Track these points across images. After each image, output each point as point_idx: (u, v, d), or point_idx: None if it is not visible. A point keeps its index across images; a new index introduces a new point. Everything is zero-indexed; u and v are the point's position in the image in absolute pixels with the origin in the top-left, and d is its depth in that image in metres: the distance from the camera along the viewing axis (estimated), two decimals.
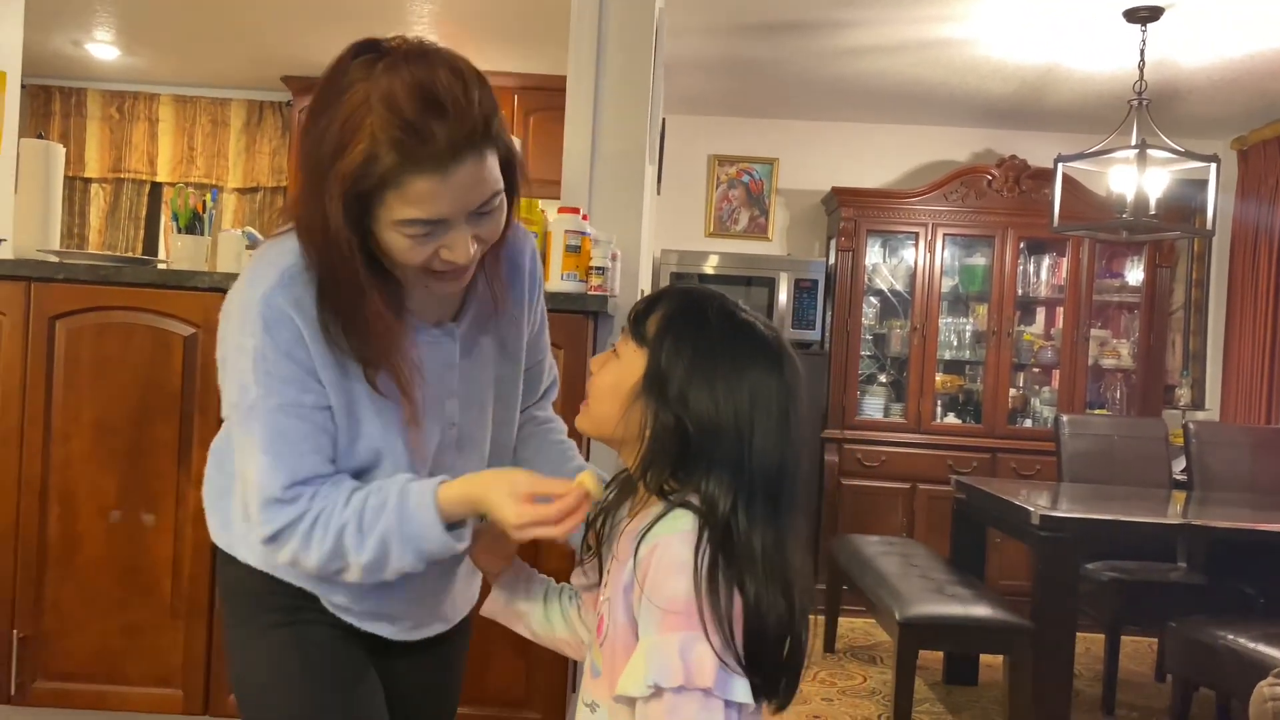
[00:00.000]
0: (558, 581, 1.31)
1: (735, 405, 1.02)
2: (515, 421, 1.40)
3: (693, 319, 1.06)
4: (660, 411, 1.03)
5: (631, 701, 0.97)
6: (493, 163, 1.11)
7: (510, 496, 1.10)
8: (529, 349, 1.40)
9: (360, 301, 1.13)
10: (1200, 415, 5.20)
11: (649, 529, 1.01)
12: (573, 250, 2.44)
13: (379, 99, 1.06)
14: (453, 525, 1.15)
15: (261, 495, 1.14)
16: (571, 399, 2.38)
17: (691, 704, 0.95)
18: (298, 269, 1.15)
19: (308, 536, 1.14)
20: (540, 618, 1.27)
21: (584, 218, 2.53)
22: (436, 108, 1.06)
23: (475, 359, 1.30)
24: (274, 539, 1.15)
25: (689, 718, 0.95)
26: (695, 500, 1.01)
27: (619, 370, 1.08)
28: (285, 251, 1.16)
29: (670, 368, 1.03)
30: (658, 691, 0.94)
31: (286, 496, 1.14)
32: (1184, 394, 5.26)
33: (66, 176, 5.21)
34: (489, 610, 1.29)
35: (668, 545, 0.98)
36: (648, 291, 3.45)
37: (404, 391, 1.18)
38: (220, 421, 1.27)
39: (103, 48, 5.08)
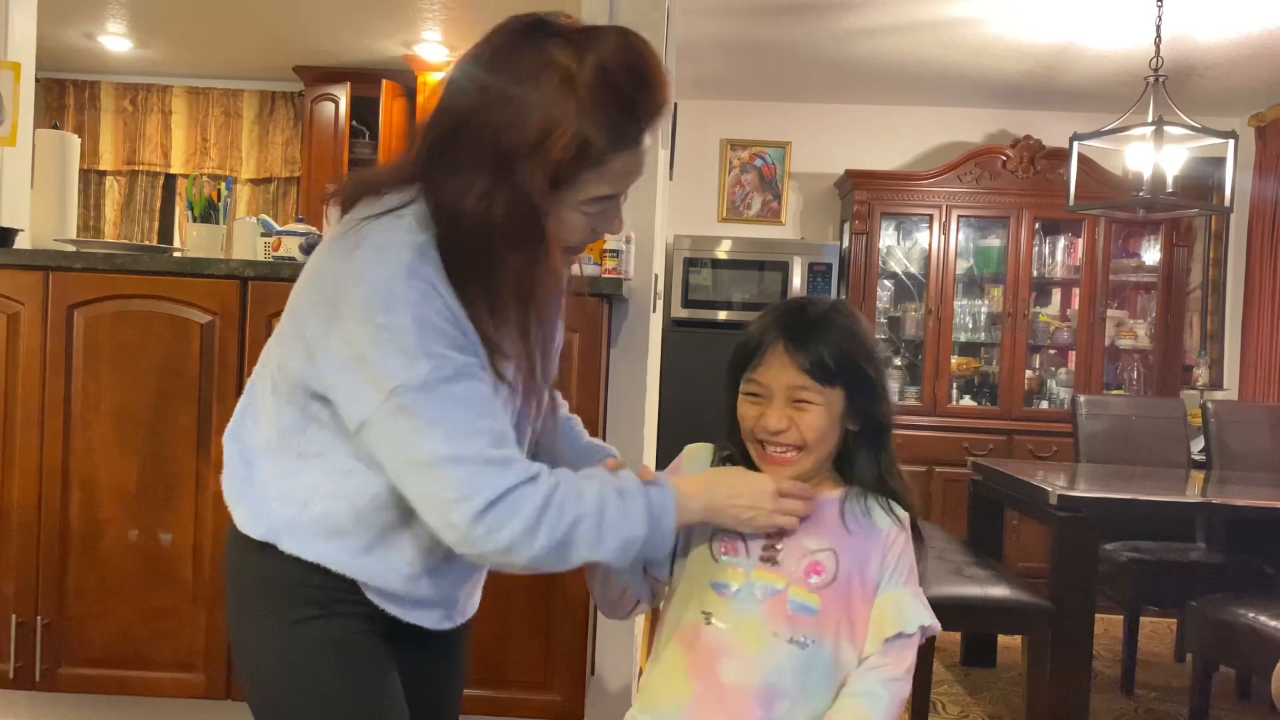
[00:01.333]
0: None
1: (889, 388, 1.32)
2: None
3: (852, 347, 1.26)
4: (859, 421, 1.28)
5: (892, 639, 1.22)
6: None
7: (763, 496, 1.21)
8: None
9: (540, 289, 1.13)
10: (1219, 395, 5.17)
11: (882, 513, 1.28)
12: None
13: (590, 76, 1.06)
14: None
15: (468, 463, 1.05)
16: (587, 379, 2.38)
17: (917, 642, 1.24)
18: (429, 245, 1.10)
19: (539, 517, 1.06)
20: (633, 582, 1.31)
21: None
22: (644, 81, 1.08)
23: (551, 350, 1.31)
24: (493, 507, 1.05)
25: (914, 652, 1.25)
26: (901, 494, 1.30)
27: (825, 414, 1.24)
28: (408, 228, 1.10)
29: (867, 387, 1.27)
30: (917, 631, 1.23)
31: (498, 456, 1.06)
32: (1202, 374, 5.23)
33: (81, 170, 5.24)
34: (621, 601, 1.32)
35: (907, 523, 1.28)
36: (662, 276, 3.43)
37: (532, 379, 1.19)
38: (227, 411, 1.24)
39: (115, 40, 5.10)
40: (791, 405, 1.23)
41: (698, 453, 1.36)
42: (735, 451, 1.31)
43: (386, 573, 1.20)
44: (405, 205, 1.13)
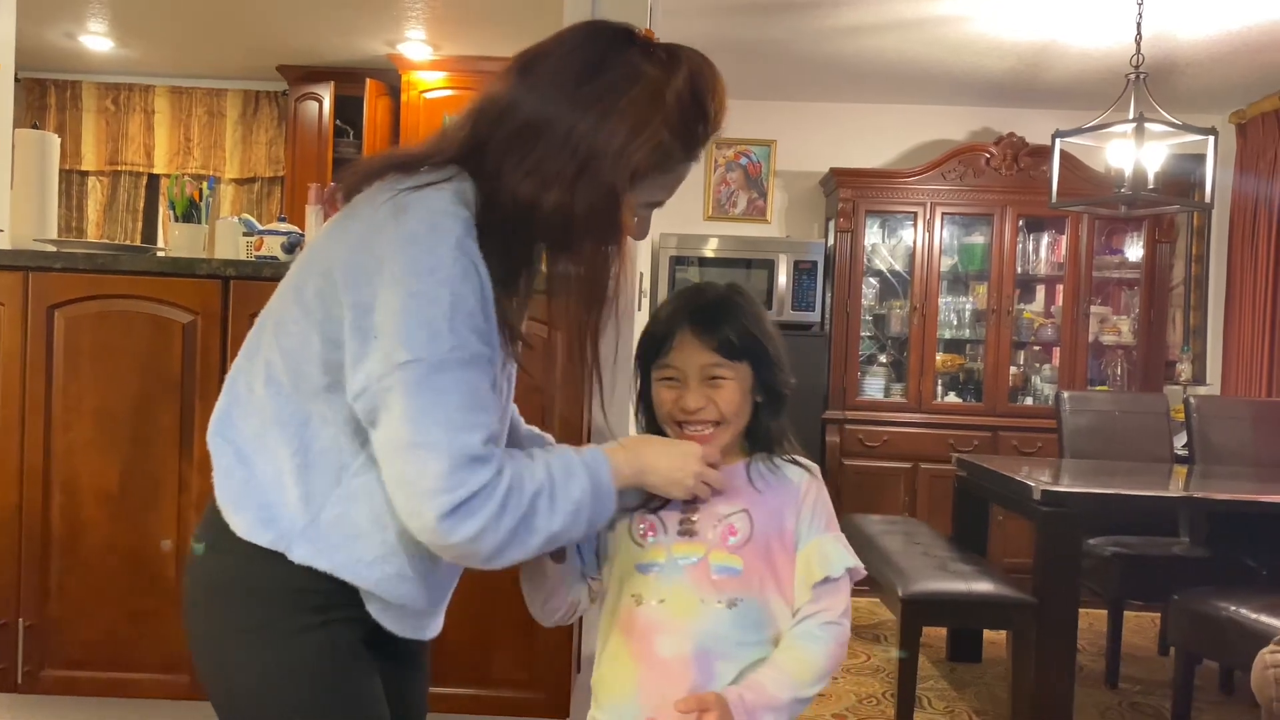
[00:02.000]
0: None
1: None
2: None
3: (744, 314, 1.34)
4: (766, 390, 1.35)
5: (819, 585, 1.28)
6: None
7: (683, 457, 1.25)
8: None
9: (615, 276, 1.19)
10: (1201, 390, 5.20)
11: (790, 467, 1.35)
12: None
13: (678, 92, 1.16)
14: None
15: (455, 456, 1.05)
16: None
17: (849, 585, 1.31)
18: (473, 224, 1.12)
19: (504, 502, 1.08)
20: (572, 593, 1.34)
21: None
22: (716, 103, 1.21)
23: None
24: (464, 505, 1.06)
25: (848, 593, 1.31)
26: (794, 450, 1.38)
27: (737, 387, 1.32)
28: (452, 202, 1.12)
29: (769, 360, 1.34)
30: (844, 573, 1.29)
31: (484, 454, 1.08)
32: (1185, 369, 5.26)
33: (63, 170, 5.22)
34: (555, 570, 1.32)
35: (818, 478, 1.36)
36: (647, 275, 3.44)
37: (521, 364, 1.26)
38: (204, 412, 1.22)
39: (97, 40, 5.07)
40: (706, 384, 1.31)
41: None
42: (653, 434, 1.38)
43: (399, 581, 1.17)
44: (444, 181, 1.14)
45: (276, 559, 1.14)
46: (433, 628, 1.31)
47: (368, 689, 1.21)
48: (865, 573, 1.33)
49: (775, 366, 1.35)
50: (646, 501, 1.31)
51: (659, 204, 1.26)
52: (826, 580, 1.27)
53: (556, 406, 1.58)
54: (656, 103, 1.15)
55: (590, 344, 1.21)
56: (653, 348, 1.35)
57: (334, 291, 1.12)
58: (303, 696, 1.16)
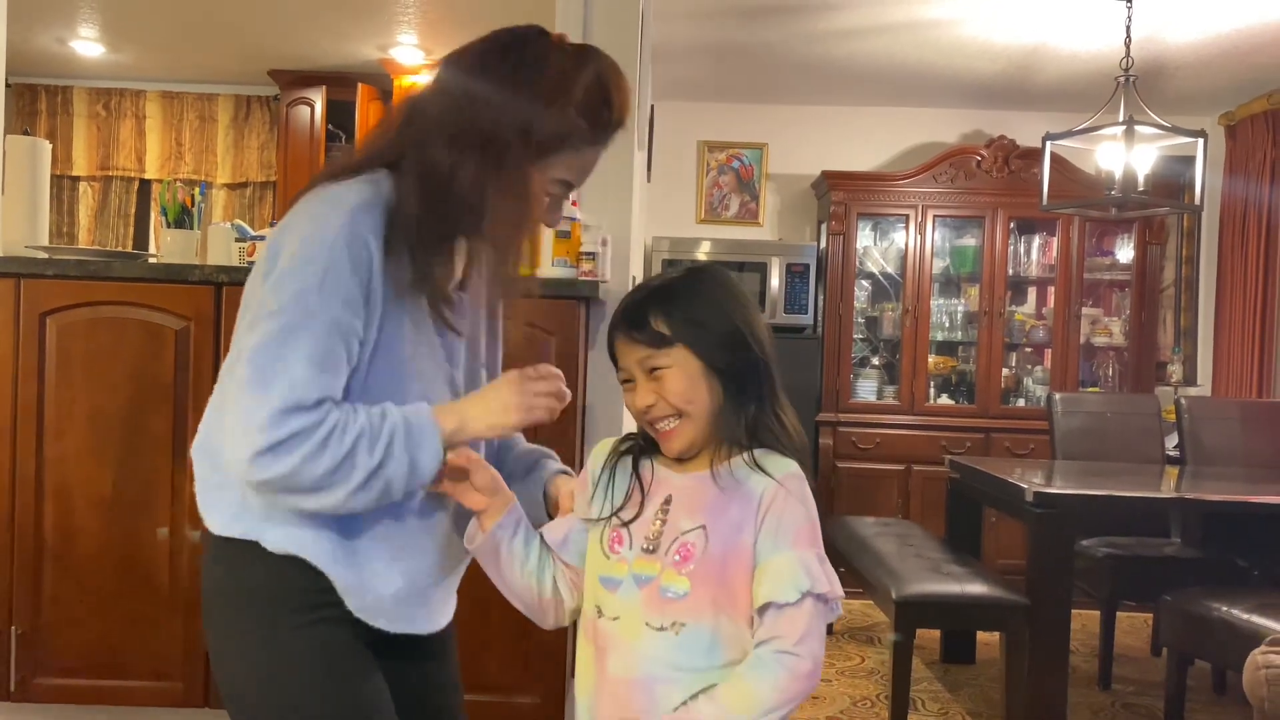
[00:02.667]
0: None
1: (763, 334, 1.25)
2: None
3: (679, 297, 1.23)
4: (723, 370, 1.22)
5: (763, 609, 1.15)
6: None
7: (502, 385, 1.26)
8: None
9: (519, 245, 1.27)
10: (1192, 391, 5.23)
11: (754, 473, 1.21)
12: (563, 236, 2.44)
13: (592, 76, 1.24)
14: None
15: (286, 400, 1.10)
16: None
17: (819, 610, 1.16)
18: (382, 201, 1.19)
19: (323, 444, 1.11)
20: (531, 567, 1.28)
21: (574, 204, 2.53)
22: (622, 94, 1.27)
23: (475, 328, 1.36)
24: (281, 445, 1.10)
25: (817, 622, 1.16)
26: (774, 442, 1.23)
27: (679, 373, 1.22)
28: (364, 186, 1.19)
29: (707, 341, 1.22)
30: (802, 597, 1.14)
31: (312, 406, 1.12)
32: (1176, 370, 5.28)
33: (54, 175, 5.20)
34: (476, 544, 1.27)
35: (792, 480, 1.20)
36: (639, 278, 3.45)
37: (457, 329, 1.27)
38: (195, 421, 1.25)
39: (87, 45, 5.06)
40: (650, 379, 1.23)
41: (599, 448, 1.33)
42: (640, 440, 1.29)
43: (361, 568, 1.21)
44: (357, 177, 1.21)
45: (256, 555, 1.19)
46: (421, 620, 1.30)
47: (366, 685, 1.22)
48: (839, 596, 1.18)
49: (717, 342, 1.22)
50: (617, 511, 1.24)
51: (569, 186, 1.29)
52: (773, 605, 1.15)
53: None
54: (564, 88, 1.22)
55: (494, 311, 1.32)
56: (610, 349, 1.28)
57: (256, 284, 1.20)
58: (298, 694, 1.19)
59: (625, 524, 1.24)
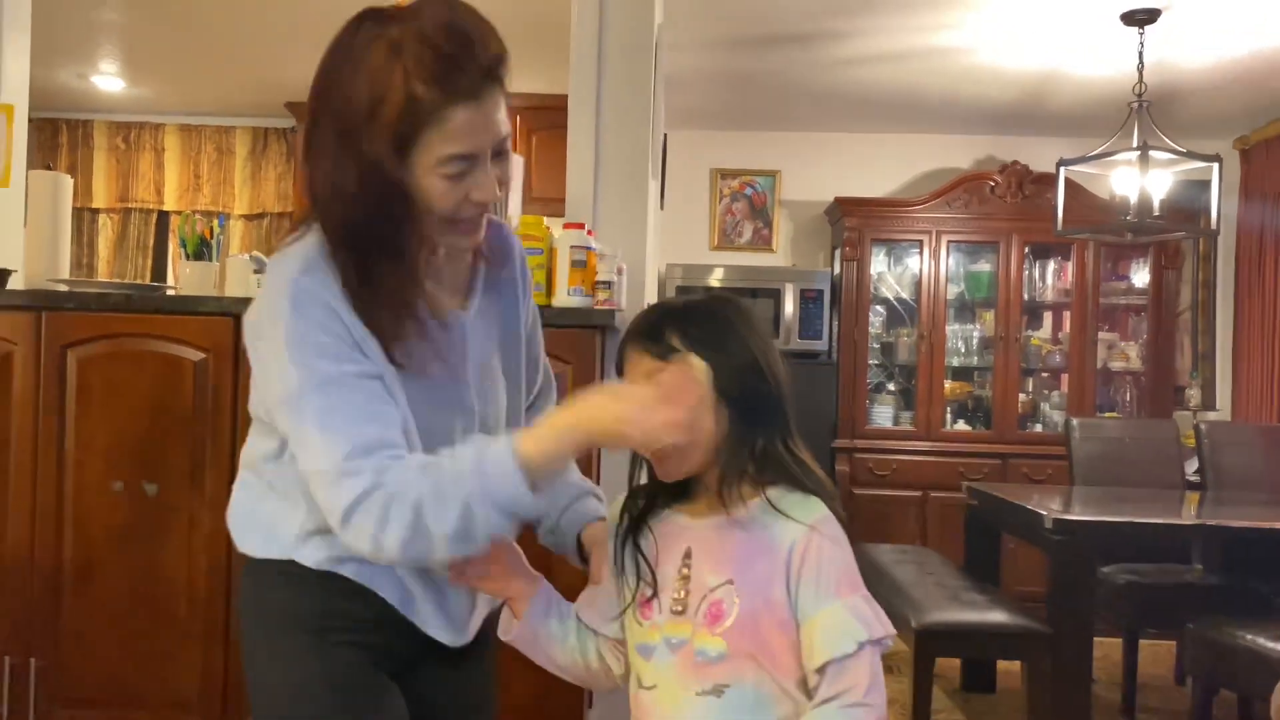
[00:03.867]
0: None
1: (779, 368, 1.18)
2: (523, 408, 1.41)
3: (697, 317, 1.18)
4: (731, 398, 1.14)
5: (823, 667, 1.10)
6: (503, 103, 1.16)
7: (613, 394, 1.12)
8: (526, 342, 1.41)
9: (399, 262, 1.15)
10: (1211, 416, 5.18)
11: (778, 518, 1.14)
12: (578, 265, 2.45)
13: (412, 39, 1.09)
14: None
15: (327, 476, 1.09)
16: None
17: (876, 653, 1.11)
18: (321, 255, 1.15)
19: (384, 515, 1.07)
20: (573, 643, 1.26)
21: (589, 233, 2.54)
22: (465, 39, 1.11)
23: (486, 347, 1.32)
24: (347, 518, 1.08)
25: (877, 666, 1.12)
26: (788, 478, 1.16)
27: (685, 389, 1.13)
28: (303, 245, 1.17)
29: (726, 362, 1.15)
30: (860, 647, 1.09)
31: (349, 468, 1.07)
32: (1194, 395, 5.25)
33: (75, 208, 5.25)
34: (513, 634, 1.25)
35: (824, 525, 1.14)
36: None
37: (422, 366, 1.18)
38: (244, 442, 1.27)
39: (108, 80, 5.13)
40: None
41: (614, 509, 1.28)
42: (649, 490, 1.23)
43: (382, 570, 1.21)
44: (306, 231, 1.19)
45: (290, 580, 1.21)
46: (468, 628, 1.30)
47: (380, 708, 1.23)
48: (892, 634, 1.13)
49: (731, 368, 1.14)
50: (641, 579, 1.19)
51: (467, 155, 1.13)
52: (832, 662, 1.09)
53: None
54: (394, 58, 1.09)
55: (413, 323, 1.17)
56: (618, 368, 1.22)
57: (250, 353, 1.20)
58: (308, 711, 1.21)
59: (654, 593, 1.18)
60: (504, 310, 1.35)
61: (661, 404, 1.08)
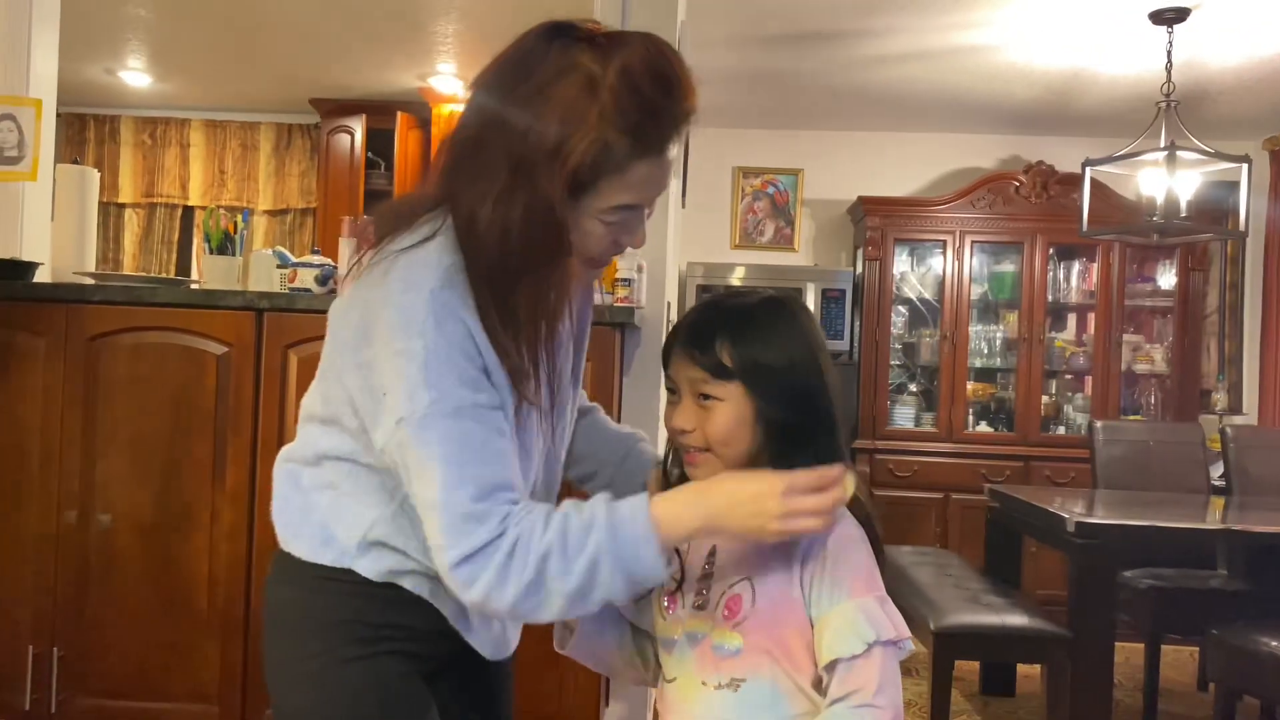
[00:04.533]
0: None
1: (828, 380, 1.16)
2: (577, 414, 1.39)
3: (754, 331, 1.14)
4: (776, 422, 1.13)
5: (831, 666, 1.09)
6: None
7: (762, 483, 1.06)
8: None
9: (562, 296, 1.10)
10: (1238, 419, 5.13)
11: None
12: None
13: (615, 79, 1.03)
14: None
15: (449, 514, 1.03)
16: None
17: (890, 655, 1.10)
18: (459, 268, 1.07)
19: (505, 567, 1.02)
20: (628, 645, 1.26)
21: None
22: (670, 86, 1.06)
23: (575, 360, 1.30)
24: (466, 562, 1.03)
25: (890, 667, 1.10)
26: None
27: (729, 412, 1.13)
28: (437, 251, 1.09)
29: (774, 392, 1.13)
30: (869, 647, 1.08)
31: (477, 511, 1.03)
32: (1220, 398, 5.19)
33: (101, 202, 5.31)
34: (569, 648, 1.23)
35: (842, 525, 1.13)
36: (675, 304, 3.45)
37: (552, 398, 1.14)
38: (277, 439, 1.26)
39: (135, 75, 5.18)
40: (698, 403, 1.14)
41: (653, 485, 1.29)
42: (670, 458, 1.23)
43: (440, 584, 1.16)
44: (435, 232, 1.11)
45: (338, 588, 1.16)
46: (505, 643, 1.29)
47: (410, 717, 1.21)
48: (907, 636, 1.12)
49: (780, 394, 1.12)
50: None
51: (635, 207, 1.11)
52: (840, 661, 1.09)
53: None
54: (590, 95, 1.03)
55: (546, 363, 1.12)
56: (663, 359, 1.20)
57: (348, 349, 1.13)
58: None
59: (678, 586, 1.18)
60: (580, 318, 1.32)
61: (795, 520, 1.05)
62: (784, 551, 1.12)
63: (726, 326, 1.13)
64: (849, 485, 1.11)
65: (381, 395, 1.08)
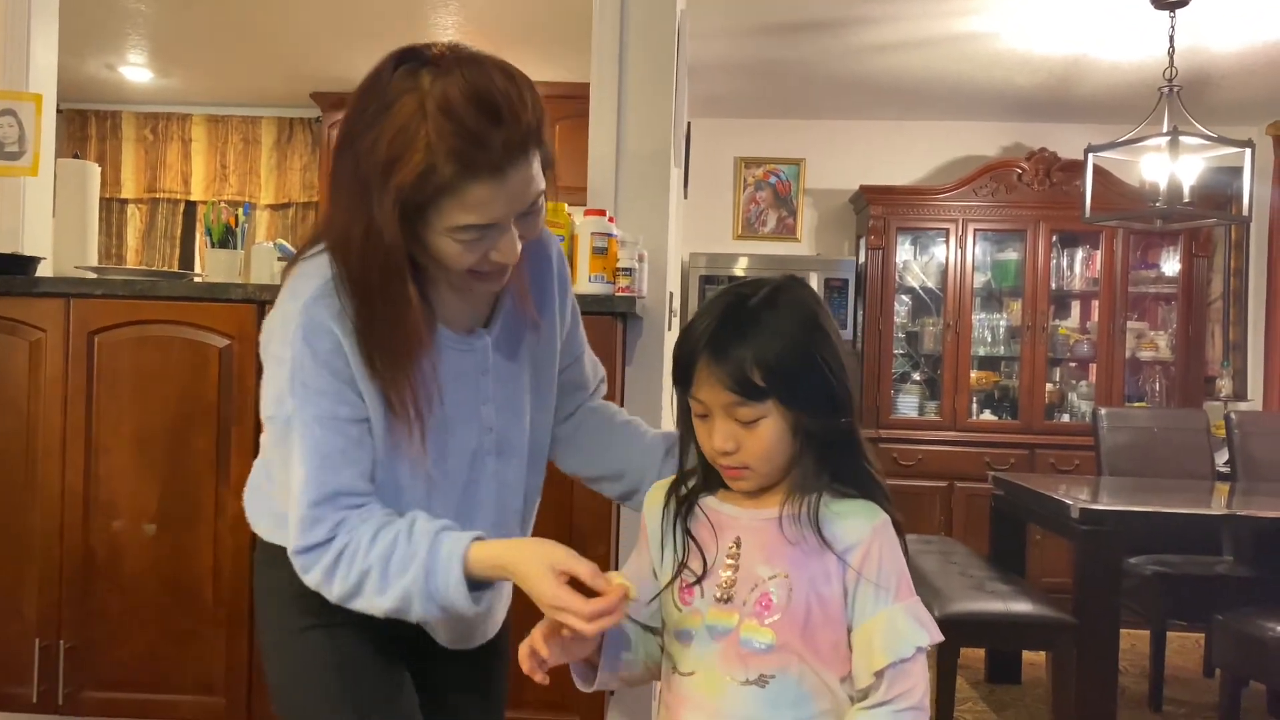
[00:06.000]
0: None
1: (844, 356, 1.16)
2: (551, 424, 1.39)
3: (776, 340, 1.11)
4: (814, 429, 1.13)
5: (882, 671, 1.10)
6: (537, 164, 1.12)
7: (547, 571, 1.07)
8: (564, 347, 1.39)
9: (402, 314, 1.13)
10: (1242, 406, 5.12)
11: (839, 519, 1.13)
12: (600, 252, 2.45)
13: (435, 106, 1.05)
14: (477, 585, 1.13)
15: (298, 509, 1.14)
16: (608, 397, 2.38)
17: (924, 658, 1.12)
18: (338, 280, 1.14)
19: (331, 570, 1.13)
20: (641, 657, 1.23)
21: (610, 220, 2.53)
22: (493, 113, 1.06)
23: (510, 363, 1.29)
24: (300, 555, 1.14)
25: (924, 670, 1.13)
26: (859, 482, 1.16)
27: (770, 430, 1.12)
28: (324, 264, 1.16)
29: (804, 403, 1.12)
30: (917, 651, 1.11)
31: (316, 515, 1.13)
32: (1225, 385, 5.18)
33: (103, 198, 5.33)
34: (595, 686, 1.21)
35: (885, 529, 1.14)
36: (677, 294, 3.44)
37: (417, 411, 1.17)
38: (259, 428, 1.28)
39: (136, 70, 5.18)
40: (735, 424, 1.12)
41: (653, 497, 1.25)
42: (696, 477, 1.20)
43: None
44: (315, 251, 1.19)
45: (286, 563, 1.20)
46: (467, 642, 1.33)
47: (383, 686, 1.25)
48: (940, 639, 1.14)
49: (817, 404, 1.12)
50: (684, 563, 1.17)
51: (484, 225, 1.10)
52: (891, 666, 1.09)
53: None
54: (419, 120, 1.05)
55: (408, 384, 1.16)
56: (681, 374, 1.16)
57: (262, 345, 1.23)
58: (313, 691, 1.25)
59: (698, 579, 1.16)
60: (542, 325, 1.32)
61: (572, 617, 1.06)
62: (825, 549, 1.12)
63: (748, 341, 1.10)
64: (631, 592, 1.10)
65: (265, 396, 1.19)
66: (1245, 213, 3.74)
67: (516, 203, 1.11)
